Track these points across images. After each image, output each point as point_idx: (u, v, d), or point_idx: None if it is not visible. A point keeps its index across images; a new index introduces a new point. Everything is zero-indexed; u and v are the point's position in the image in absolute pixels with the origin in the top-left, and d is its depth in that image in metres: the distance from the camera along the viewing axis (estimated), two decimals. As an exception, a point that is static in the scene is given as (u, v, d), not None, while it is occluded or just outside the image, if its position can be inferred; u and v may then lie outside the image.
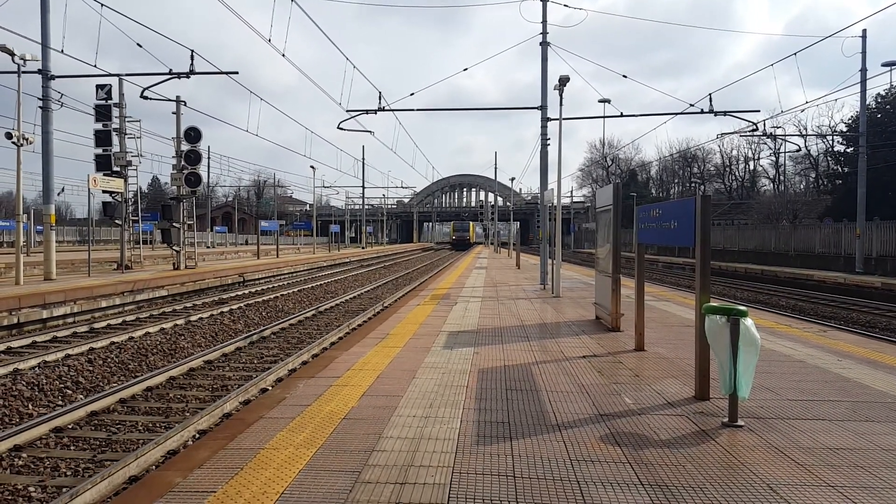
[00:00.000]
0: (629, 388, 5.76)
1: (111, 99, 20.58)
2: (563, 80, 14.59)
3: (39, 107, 17.54)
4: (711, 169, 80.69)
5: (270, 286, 22.14)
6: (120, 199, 21.01)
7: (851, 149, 40.70)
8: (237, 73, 19.37)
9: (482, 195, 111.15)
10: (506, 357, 7.23)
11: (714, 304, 4.99)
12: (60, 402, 7.64)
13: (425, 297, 14.57)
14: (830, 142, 51.49)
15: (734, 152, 76.27)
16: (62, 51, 16.31)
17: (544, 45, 16.77)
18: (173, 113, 22.48)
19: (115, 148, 20.86)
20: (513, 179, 58.00)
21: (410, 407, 5.14)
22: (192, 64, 18.22)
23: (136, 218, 24.73)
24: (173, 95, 22.44)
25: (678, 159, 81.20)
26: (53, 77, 17.53)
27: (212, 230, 68.22)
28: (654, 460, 3.92)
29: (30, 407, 7.36)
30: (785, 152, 63.46)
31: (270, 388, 8.00)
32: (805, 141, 54.45)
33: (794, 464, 3.88)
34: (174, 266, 22.58)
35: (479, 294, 15.14)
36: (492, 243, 64.48)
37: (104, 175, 20.15)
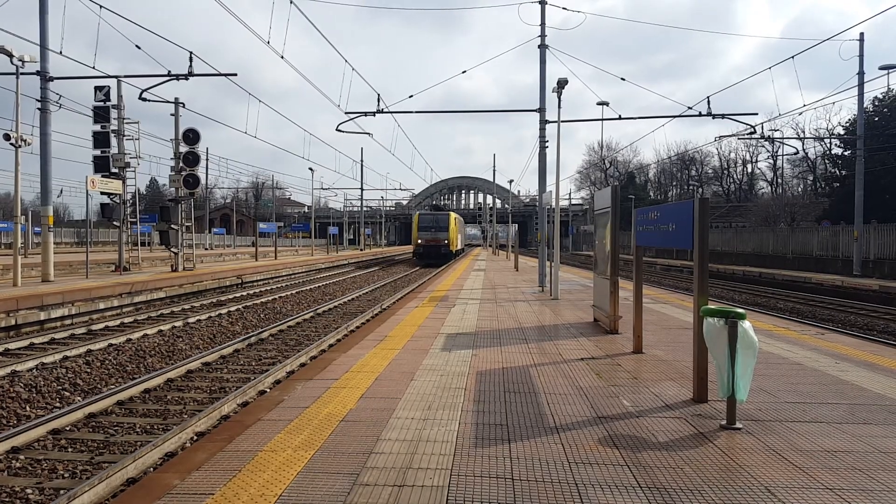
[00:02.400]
0: (627, 391, 5.77)
1: (110, 100, 20.54)
2: (562, 83, 14.61)
3: (38, 108, 17.52)
4: (709, 171, 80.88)
5: (268, 288, 22.13)
6: (118, 201, 20.98)
7: (849, 152, 40.76)
8: (236, 74, 19.42)
9: (480, 197, 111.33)
10: (504, 359, 7.24)
11: (712, 306, 4.99)
12: (58, 404, 7.63)
13: (423, 299, 14.57)
14: (828, 145, 51.58)
15: (732, 155, 76.47)
16: (61, 52, 16.31)
17: (542, 47, 16.80)
18: (172, 114, 22.47)
19: (114, 149, 20.82)
20: (511, 181, 57.93)
21: (409, 409, 5.14)
22: (190, 65, 18.22)
23: (135, 219, 24.68)
24: (172, 97, 22.44)
25: (676, 162, 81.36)
26: (52, 78, 17.51)
27: (210, 232, 68.22)
28: (652, 463, 3.93)
29: (27, 409, 7.34)
30: (783, 155, 63.52)
31: (268, 390, 7.99)
32: (803, 144, 54.55)
33: (792, 466, 3.88)
34: (172, 268, 22.55)
35: (478, 296, 15.14)
36: (490, 245, 64.50)
37: (102, 176, 20.12)
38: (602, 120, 26.92)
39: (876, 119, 39.23)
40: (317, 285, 23.50)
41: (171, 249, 22.51)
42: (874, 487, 3.57)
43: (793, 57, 20.14)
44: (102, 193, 20.34)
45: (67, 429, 6.59)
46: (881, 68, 26.45)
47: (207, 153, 54.09)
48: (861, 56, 26.47)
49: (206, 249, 54.20)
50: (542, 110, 17.24)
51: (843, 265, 29.12)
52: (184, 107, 22.64)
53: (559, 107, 14.97)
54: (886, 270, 26.46)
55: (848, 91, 28.25)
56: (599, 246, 10.10)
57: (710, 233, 5.69)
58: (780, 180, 68.14)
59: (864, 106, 30.27)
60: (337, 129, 20.56)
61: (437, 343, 8.33)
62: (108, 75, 19.62)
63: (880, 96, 39.93)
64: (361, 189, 64.36)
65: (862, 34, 26.68)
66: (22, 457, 5.77)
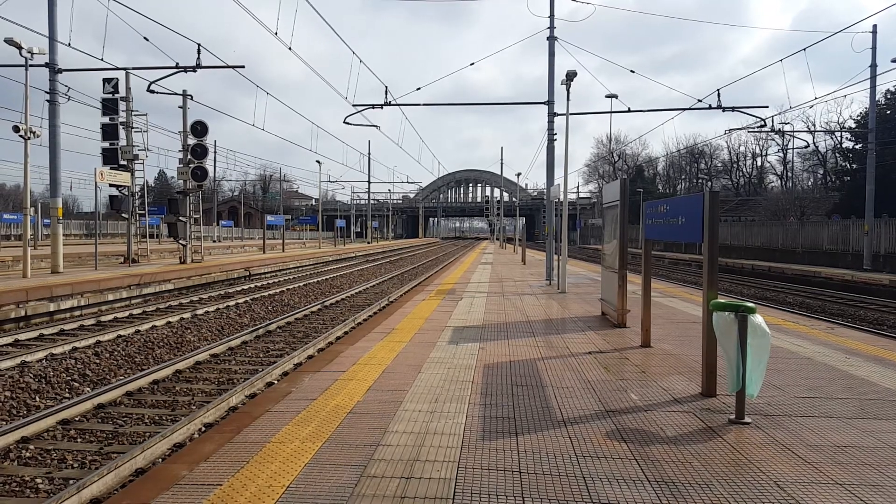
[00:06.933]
0: (635, 385, 5.74)
1: (118, 93, 20.61)
2: (571, 76, 14.52)
3: (46, 100, 17.59)
4: (719, 165, 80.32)
5: (276, 280, 22.19)
6: (126, 193, 21.07)
7: (860, 145, 40.39)
8: (243, 66, 19.36)
9: (488, 190, 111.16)
10: (511, 353, 7.22)
11: (722, 300, 4.95)
12: (67, 395, 7.68)
13: (431, 292, 14.57)
14: (839, 138, 51.16)
15: (742, 148, 75.93)
16: (69, 44, 16.33)
17: (551, 39, 16.69)
18: (180, 107, 22.51)
19: (122, 142, 20.91)
20: (518, 175, 57.63)
21: (416, 402, 5.14)
22: (198, 58, 18.21)
23: (143, 212, 24.76)
24: (180, 89, 22.50)
25: (685, 155, 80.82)
26: (60, 70, 17.57)
27: (218, 224, 68.47)
28: (661, 457, 3.91)
29: (37, 399, 7.40)
30: (793, 148, 63.14)
31: (276, 381, 8.01)
32: (813, 137, 54.15)
33: (802, 461, 3.86)
34: (180, 260, 22.64)
35: (485, 289, 15.12)
36: (497, 239, 64.46)
37: (111, 169, 20.21)
38: (611, 112, 26.83)
39: (888, 112, 38.84)
40: (324, 278, 23.54)
41: (180, 241, 22.60)
42: (884, 483, 3.54)
43: (804, 49, 19.93)
44: (111, 185, 20.44)
45: (77, 419, 6.64)
46: (893, 61, 26.15)
47: (215, 145, 54.30)
48: (874, 48, 26.19)
49: (214, 242, 54.42)
50: (550, 103, 17.14)
51: (853, 259, 28.91)
52: (192, 99, 22.68)
53: (568, 99, 14.88)
54: (897, 265, 26.25)
55: (860, 84, 27.97)
56: (607, 239, 10.06)
57: (719, 226, 5.64)
58: (790, 174, 67.68)
59: (877, 99, 29.99)
60: (344, 122, 20.56)
61: (444, 336, 8.33)
62: (117, 67, 19.61)
63: (893, 89, 39.58)
64: (369, 182, 64.35)
65: (875, 26, 26.41)
66: (32, 446, 5.81)
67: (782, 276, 27.99)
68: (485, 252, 43.31)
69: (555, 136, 17.24)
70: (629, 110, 25.10)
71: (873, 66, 26.40)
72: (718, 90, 19.87)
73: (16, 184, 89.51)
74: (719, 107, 19.95)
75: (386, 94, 19.27)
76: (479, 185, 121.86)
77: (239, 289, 18.91)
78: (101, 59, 16.87)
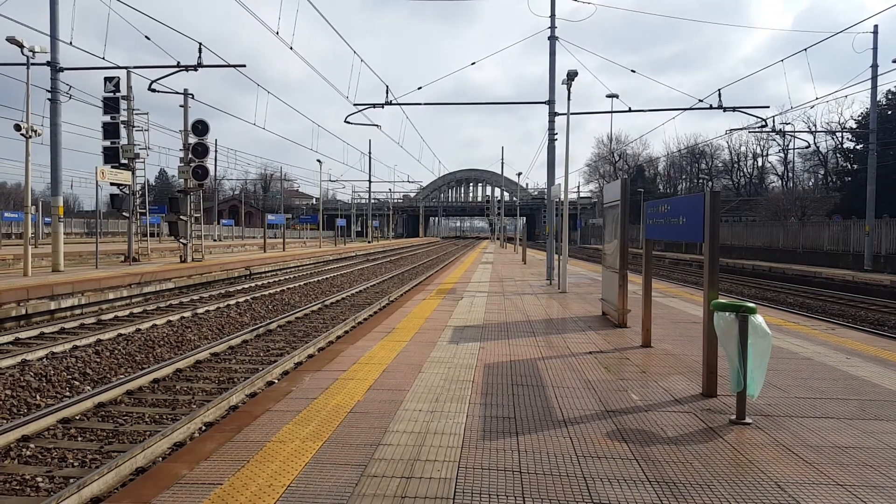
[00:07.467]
0: (636, 385, 5.74)
1: (119, 91, 20.60)
2: (572, 75, 14.51)
3: (48, 99, 17.60)
4: (719, 165, 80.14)
5: (277, 279, 22.19)
6: (128, 192, 21.07)
7: (861, 145, 40.36)
8: (245, 65, 19.35)
9: (488, 190, 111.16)
10: (511, 352, 7.22)
11: (722, 300, 4.95)
12: (68, 394, 7.68)
13: (431, 291, 14.57)
14: (840, 138, 51.08)
15: (742, 148, 75.74)
16: (71, 43, 16.35)
17: (552, 39, 16.68)
18: (181, 106, 22.50)
19: (123, 140, 20.90)
20: (519, 174, 57.60)
21: (416, 401, 5.14)
22: (199, 57, 18.21)
23: (144, 210, 24.75)
24: (181, 88, 22.48)
25: (686, 155, 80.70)
26: (62, 69, 17.57)
27: (218, 223, 68.54)
28: (661, 457, 3.91)
29: (38, 398, 7.40)
30: (794, 148, 63.03)
31: (277, 381, 8.02)
32: (814, 137, 53.98)
33: (803, 462, 3.86)
34: (181, 259, 22.65)
35: (485, 289, 15.12)
36: (498, 238, 64.47)
37: (112, 167, 20.21)
38: (611, 112, 26.81)
39: (889, 113, 38.82)
40: (324, 277, 23.54)
41: (180, 240, 22.61)
42: (885, 484, 3.54)
43: (805, 49, 19.91)
44: (112, 184, 20.44)
45: (77, 418, 6.64)
46: (895, 61, 26.14)
47: (216, 144, 54.22)
48: (875, 48, 26.19)
49: (215, 241, 54.44)
50: (551, 102, 17.14)
51: (854, 260, 28.90)
52: (193, 98, 22.67)
53: (569, 99, 14.88)
54: (898, 265, 26.22)
55: (861, 84, 28.05)
56: (608, 239, 10.05)
57: (720, 226, 5.64)
58: (790, 174, 67.56)
59: (878, 99, 29.98)
60: (345, 121, 20.54)
61: (444, 335, 8.33)
62: (118, 66, 19.61)
63: (894, 89, 39.51)
64: (369, 181, 64.33)
65: (876, 26, 26.41)
66: (32, 445, 5.81)
67: (783, 277, 27.97)
68: (485, 252, 43.32)
69: (555, 136, 17.24)
70: (630, 110, 25.12)
71: (874, 66, 26.40)
72: (719, 90, 19.86)
73: (17, 182, 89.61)
74: (720, 107, 19.93)
75: (387, 93, 19.28)
76: (480, 184, 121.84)
77: (239, 288, 18.92)
78: (103, 58, 16.81)
